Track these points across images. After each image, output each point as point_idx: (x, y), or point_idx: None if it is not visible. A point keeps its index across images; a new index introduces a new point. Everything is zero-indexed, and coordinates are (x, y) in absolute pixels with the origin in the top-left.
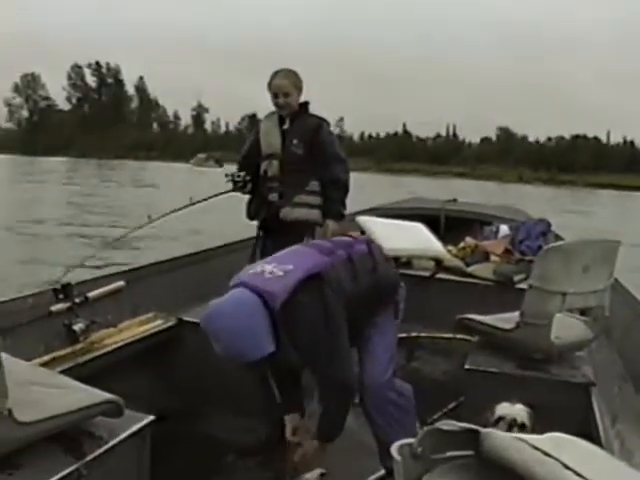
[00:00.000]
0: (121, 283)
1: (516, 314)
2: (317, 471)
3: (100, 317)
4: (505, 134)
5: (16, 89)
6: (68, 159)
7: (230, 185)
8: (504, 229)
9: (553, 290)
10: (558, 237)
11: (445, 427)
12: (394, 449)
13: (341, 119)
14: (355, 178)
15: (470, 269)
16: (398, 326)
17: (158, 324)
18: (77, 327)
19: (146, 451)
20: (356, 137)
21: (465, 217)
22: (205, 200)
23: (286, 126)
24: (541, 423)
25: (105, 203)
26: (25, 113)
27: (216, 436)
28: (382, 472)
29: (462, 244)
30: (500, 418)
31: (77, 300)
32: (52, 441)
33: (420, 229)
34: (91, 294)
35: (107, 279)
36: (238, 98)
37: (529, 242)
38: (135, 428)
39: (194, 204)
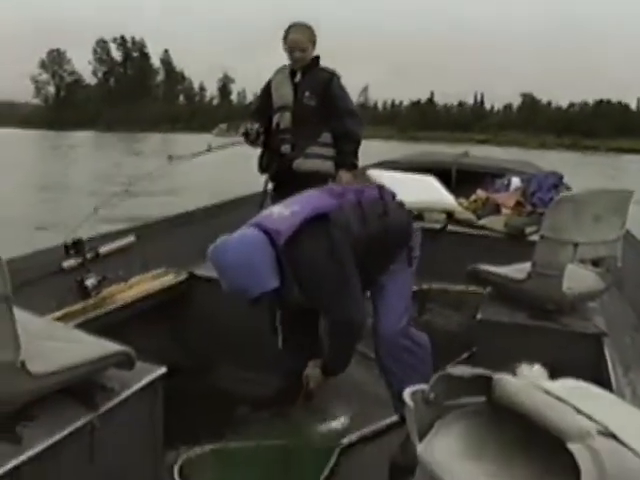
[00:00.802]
0: (132, 239)
1: (528, 265)
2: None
3: (111, 272)
4: (529, 100)
5: (42, 65)
6: (95, 133)
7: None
8: (515, 181)
9: (564, 240)
10: (569, 190)
11: (457, 373)
12: (406, 395)
13: (365, 88)
14: (378, 146)
15: (481, 222)
16: (413, 274)
17: (169, 279)
18: (88, 283)
19: (159, 403)
20: (380, 105)
21: (477, 170)
22: (221, 148)
23: (298, 79)
24: (553, 373)
25: (130, 173)
26: (52, 89)
27: (228, 389)
28: (394, 418)
29: (473, 197)
30: None
31: (88, 256)
32: (65, 394)
33: (431, 182)
34: (102, 250)
35: (118, 235)
36: (263, 69)
37: (541, 194)
38: (147, 380)
39: (210, 150)
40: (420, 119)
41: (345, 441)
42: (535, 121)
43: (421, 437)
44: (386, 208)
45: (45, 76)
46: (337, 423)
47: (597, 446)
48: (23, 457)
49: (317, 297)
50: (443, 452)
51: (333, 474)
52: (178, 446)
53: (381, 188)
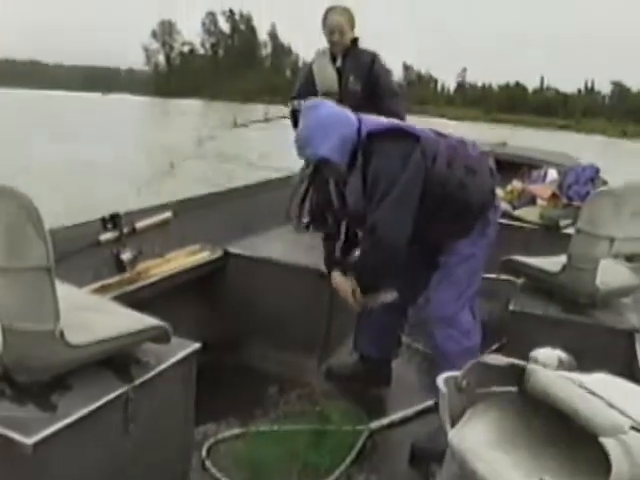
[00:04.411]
0: (168, 214)
1: (562, 258)
2: None
3: (147, 247)
4: (618, 88)
5: (154, 35)
6: (201, 101)
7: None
8: (552, 173)
9: (601, 235)
10: (605, 184)
11: (491, 361)
12: (440, 381)
13: (464, 70)
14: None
15: (516, 212)
16: (486, 249)
17: (204, 256)
18: (125, 257)
19: (192, 378)
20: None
21: (514, 160)
22: (280, 118)
23: (339, 63)
24: (583, 368)
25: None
26: (161, 57)
27: (258, 368)
28: (425, 404)
29: (509, 187)
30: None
31: (125, 230)
32: (101, 365)
33: None
34: (139, 224)
35: (154, 210)
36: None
37: (577, 187)
38: (182, 355)
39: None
40: (505, 102)
41: (374, 425)
42: (620, 109)
43: (453, 423)
44: (477, 167)
45: (155, 45)
46: (367, 407)
47: (629, 441)
48: (58, 425)
49: (371, 198)
50: (474, 439)
51: (360, 457)
52: (207, 423)
53: (484, 154)
